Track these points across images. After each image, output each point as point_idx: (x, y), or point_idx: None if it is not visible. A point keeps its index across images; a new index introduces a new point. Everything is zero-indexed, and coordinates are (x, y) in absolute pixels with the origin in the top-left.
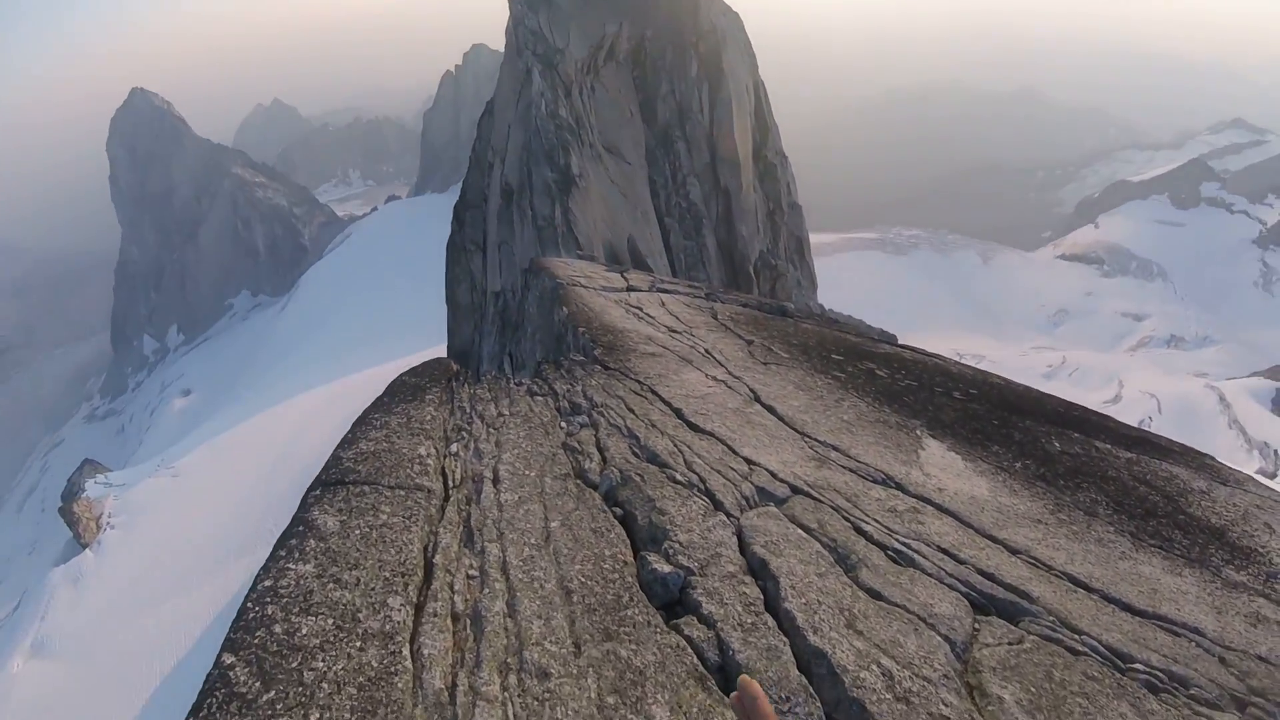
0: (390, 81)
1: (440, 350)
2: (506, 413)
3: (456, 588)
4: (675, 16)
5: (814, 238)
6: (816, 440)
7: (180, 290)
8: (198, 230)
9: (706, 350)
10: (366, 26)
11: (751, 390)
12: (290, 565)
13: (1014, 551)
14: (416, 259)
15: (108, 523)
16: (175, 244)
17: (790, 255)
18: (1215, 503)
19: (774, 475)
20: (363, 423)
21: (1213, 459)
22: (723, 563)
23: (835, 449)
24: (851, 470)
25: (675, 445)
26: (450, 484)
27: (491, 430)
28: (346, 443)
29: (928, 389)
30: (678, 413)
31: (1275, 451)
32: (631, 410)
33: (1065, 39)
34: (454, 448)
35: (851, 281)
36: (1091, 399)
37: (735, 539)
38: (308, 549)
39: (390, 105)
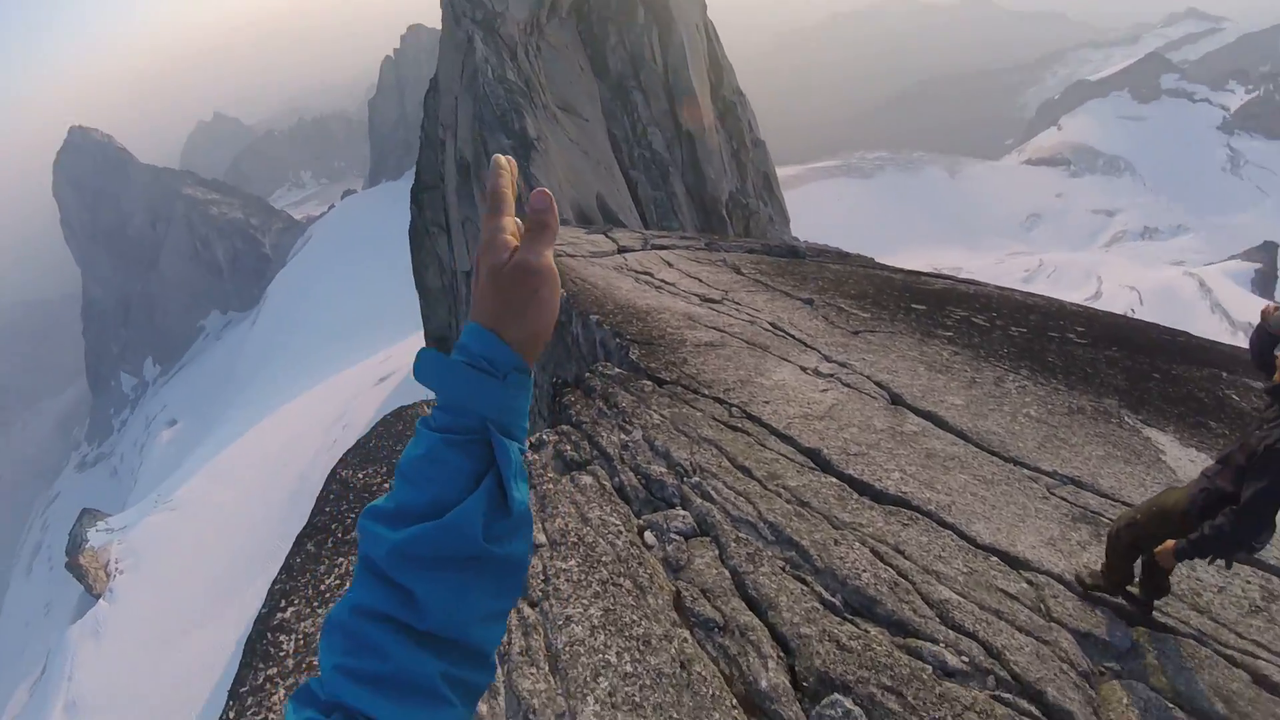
0: (330, 76)
1: (418, 338)
2: (545, 538)
3: None
4: None
5: (779, 171)
6: (1042, 472)
7: (149, 321)
8: (158, 257)
9: (773, 324)
10: (299, 26)
11: (880, 386)
12: None
13: None
14: (381, 249)
15: (116, 569)
16: (137, 275)
17: (759, 192)
18: None
19: (1069, 587)
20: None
21: None
22: None
23: (1082, 486)
24: None
25: (878, 556)
26: None
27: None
28: None
29: (1042, 336)
30: (816, 458)
31: None
32: (745, 469)
33: None
34: None
35: (821, 211)
36: (1073, 297)
37: None
38: None
39: (333, 100)
